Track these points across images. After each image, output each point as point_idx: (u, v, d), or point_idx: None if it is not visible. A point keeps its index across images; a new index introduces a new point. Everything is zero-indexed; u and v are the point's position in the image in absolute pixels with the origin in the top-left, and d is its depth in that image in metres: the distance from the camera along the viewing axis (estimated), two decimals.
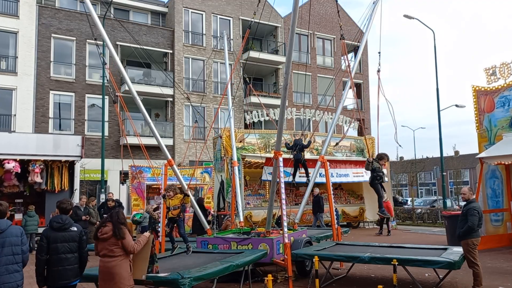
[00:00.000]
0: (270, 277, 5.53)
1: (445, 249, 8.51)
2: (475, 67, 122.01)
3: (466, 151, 57.45)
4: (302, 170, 11.80)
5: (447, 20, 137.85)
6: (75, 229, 5.43)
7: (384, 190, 9.59)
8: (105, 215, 13.26)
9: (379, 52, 10.78)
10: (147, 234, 5.85)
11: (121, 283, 5.24)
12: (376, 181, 8.77)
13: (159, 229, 9.35)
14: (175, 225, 7.71)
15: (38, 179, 14.34)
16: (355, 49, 33.95)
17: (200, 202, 13.76)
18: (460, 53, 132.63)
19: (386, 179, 20.21)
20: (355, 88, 35.16)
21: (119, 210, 5.58)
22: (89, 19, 9.07)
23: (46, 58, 24.19)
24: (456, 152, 53.63)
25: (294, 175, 12.50)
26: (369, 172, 18.62)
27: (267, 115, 19.55)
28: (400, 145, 10.29)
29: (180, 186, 9.16)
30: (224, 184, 17.49)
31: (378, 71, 10.80)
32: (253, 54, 28.35)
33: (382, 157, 8.89)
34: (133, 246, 5.32)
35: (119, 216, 5.32)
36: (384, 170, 20.40)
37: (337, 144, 17.48)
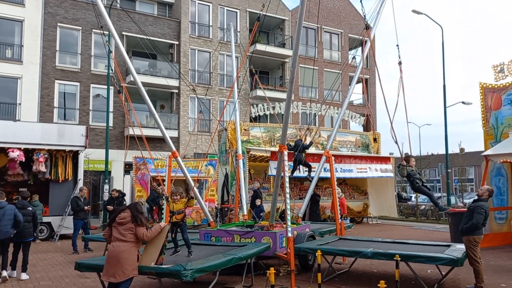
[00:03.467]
0: (272, 270, 5.52)
1: (448, 246, 8.46)
2: (482, 64, 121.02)
3: (471, 149, 57.12)
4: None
5: (456, 16, 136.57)
6: (30, 209, 9.19)
7: (429, 189, 9.16)
8: (108, 206, 13.39)
9: (397, 45, 10.60)
10: (162, 224, 6.08)
11: (125, 268, 5.33)
12: (417, 185, 8.57)
13: (163, 206, 9.30)
14: (178, 230, 7.48)
15: (42, 168, 14.41)
16: (363, 44, 33.75)
17: None
18: (468, 50, 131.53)
19: (391, 174, 20.20)
20: (362, 83, 35.03)
21: (137, 202, 5.97)
22: (95, 9, 9.03)
23: (51, 47, 24.17)
24: (462, 150, 53.32)
25: (292, 172, 12.48)
26: (373, 170, 18.61)
27: (273, 109, 19.46)
28: (396, 142, 10.02)
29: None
30: (229, 177, 17.48)
31: (400, 63, 10.58)
32: (260, 47, 28.21)
33: (408, 159, 8.70)
34: (144, 233, 5.52)
35: (137, 207, 5.64)
36: (390, 166, 20.47)
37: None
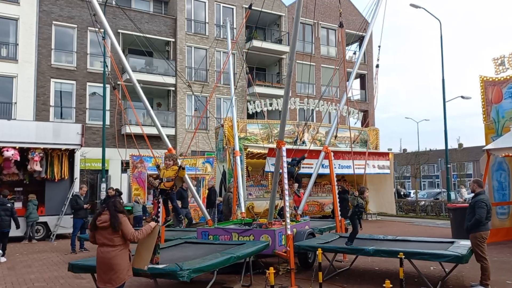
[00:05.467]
0: (272, 270, 5.34)
1: (452, 242, 8.29)
2: (482, 58, 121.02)
3: (469, 144, 57.10)
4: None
5: (453, 9, 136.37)
6: (9, 205, 11.40)
7: (360, 225, 9.41)
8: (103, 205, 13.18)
9: (379, 46, 10.51)
10: (152, 224, 5.73)
11: (120, 273, 5.11)
12: (356, 216, 8.71)
13: (159, 201, 8.93)
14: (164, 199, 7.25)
15: (37, 167, 14.20)
16: (360, 40, 33.56)
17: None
18: (465, 44, 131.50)
19: (388, 171, 20.06)
20: (358, 79, 34.91)
21: (116, 199, 5.50)
22: (89, 6, 8.83)
23: (47, 46, 23.92)
24: (460, 145, 53.36)
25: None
26: (370, 166, 18.51)
27: (270, 105, 19.26)
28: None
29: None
30: (226, 175, 17.31)
31: (377, 66, 10.57)
32: (256, 43, 27.99)
33: (363, 191, 8.79)
34: (133, 234, 5.19)
35: (116, 205, 5.20)
36: (388, 163, 20.32)
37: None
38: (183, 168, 7.06)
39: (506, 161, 12.79)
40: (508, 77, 12.83)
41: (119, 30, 25.15)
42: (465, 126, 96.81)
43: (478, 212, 7.26)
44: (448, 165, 23.80)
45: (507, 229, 12.47)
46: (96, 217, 5.22)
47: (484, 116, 13.40)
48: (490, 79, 13.27)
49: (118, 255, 5.09)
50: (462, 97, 27.49)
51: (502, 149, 11.75)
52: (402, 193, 33.57)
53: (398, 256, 6.21)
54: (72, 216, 12.34)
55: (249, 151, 17.50)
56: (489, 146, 12.21)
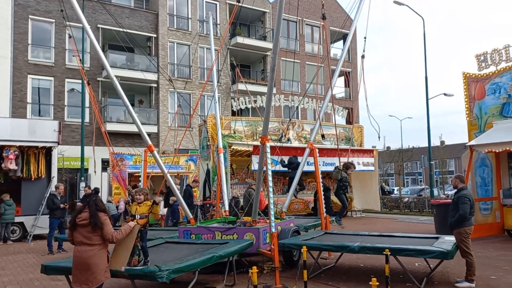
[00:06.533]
0: (255, 269, 5.13)
1: (437, 238, 8.21)
2: (465, 55, 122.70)
3: (451, 141, 57.87)
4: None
5: (436, 7, 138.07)
6: None
7: (347, 200, 9.23)
8: (78, 204, 12.78)
9: (365, 38, 10.40)
10: (132, 223, 5.48)
11: (97, 274, 4.90)
12: (341, 191, 8.48)
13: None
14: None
15: (12, 166, 13.71)
16: (344, 37, 33.57)
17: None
18: (448, 42, 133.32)
19: (372, 168, 20.09)
20: (343, 76, 34.93)
21: (97, 198, 5.27)
22: (60, 1, 8.48)
23: (23, 41, 23.24)
24: (442, 142, 53.98)
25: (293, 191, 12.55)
26: (355, 163, 18.34)
27: (255, 102, 19.04)
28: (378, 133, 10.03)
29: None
30: (210, 173, 17.03)
31: (363, 57, 10.44)
32: (240, 40, 27.74)
33: (348, 166, 8.61)
34: (112, 234, 5.01)
35: (97, 204, 5.05)
36: (372, 160, 20.31)
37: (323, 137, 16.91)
38: (157, 204, 6.24)
39: (489, 157, 12.83)
40: (490, 74, 12.86)
41: (99, 25, 24.61)
42: (447, 124, 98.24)
43: (462, 208, 7.18)
44: (431, 162, 23.96)
45: (489, 225, 12.52)
46: (76, 215, 5.04)
47: (467, 112, 13.42)
48: (473, 76, 13.29)
49: (96, 254, 4.92)
50: (445, 94, 27.70)
51: (485, 145, 11.77)
52: (386, 190, 33.75)
53: (384, 253, 6.08)
54: (49, 216, 11.93)
55: (233, 148, 17.26)
56: (472, 142, 12.22)
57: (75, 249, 5.00)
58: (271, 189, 7.94)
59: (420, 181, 61.51)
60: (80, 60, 13.78)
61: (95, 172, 19.70)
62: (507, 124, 12.10)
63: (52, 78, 23.87)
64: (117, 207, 15.70)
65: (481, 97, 13.08)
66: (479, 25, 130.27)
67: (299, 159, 11.28)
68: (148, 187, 11.28)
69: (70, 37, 9.15)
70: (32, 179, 14.41)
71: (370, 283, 4.77)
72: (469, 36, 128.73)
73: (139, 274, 5.49)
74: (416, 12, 23.45)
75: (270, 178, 7.95)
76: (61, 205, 11.71)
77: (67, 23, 9.76)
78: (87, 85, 8.88)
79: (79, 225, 4.93)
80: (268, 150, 7.94)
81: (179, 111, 23.97)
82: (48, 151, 14.86)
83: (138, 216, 5.80)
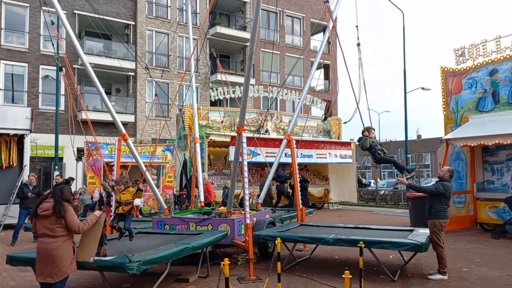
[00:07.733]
0: (226, 261, 5.03)
1: (411, 230, 8.27)
2: (443, 50, 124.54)
3: (427, 136, 58.75)
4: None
5: (416, 1, 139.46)
6: None
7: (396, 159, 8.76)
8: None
9: (357, 26, 10.27)
10: (97, 212, 5.30)
11: (62, 266, 4.71)
12: (379, 156, 8.11)
13: (112, 204, 8.40)
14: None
15: None
16: (324, 29, 33.55)
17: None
18: (427, 36, 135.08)
19: (350, 160, 20.20)
20: (322, 69, 34.95)
21: (64, 186, 5.07)
22: None
23: None
24: (419, 136, 54.74)
25: (276, 205, 12.70)
26: (332, 156, 18.23)
27: (233, 93, 18.85)
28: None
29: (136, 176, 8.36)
30: (187, 163, 16.84)
31: (358, 44, 10.29)
32: (220, 29, 27.41)
33: (369, 130, 8.25)
34: (78, 225, 4.80)
35: (63, 192, 4.80)
36: (350, 152, 20.43)
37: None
38: (141, 190, 6.66)
39: (464, 151, 13.00)
40: (468, 68, 13.00)
41: (75, 11, 23.95)
42: (422, 118, 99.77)
43: (430, 187, 7.27)
44: (408, 156, 24.26)
45: (463, 218, 12.72)
46: (38, 204, 4.81)
47: (444, 106, 13.56)
48: (451, 70, 13.41)
49: (60, 246, 4.71)
50: (423, 88, 27.98)
51: (460, 139, 11.92)
52: (363, 182, 34.09)
53: (358, 245, 6.06)
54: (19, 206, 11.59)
55: (211, 139, 17.09)
56: (448, 136, 12.37)
57: (38, 241, 4.81)
58: (246, 180, 7.84)
59: (397, 174, 62.45)
60: (53, 45, 13.29)
61: (76, 160, 19.18)
62: (482, 119, 12.28)
63: (26, 64, 23.17)
64: (92, 197, 15.43)
65: (457, 92, 13.23)
66: (456, 15, 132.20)
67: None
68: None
69: (53, 23, 8.75)
70: (3, 167, 14.02)
71: (343, 275, 4.73)
72: (449, 31, 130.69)
73: (108, 265, 5.32)
74: (396, 6, 23.58)
75: (245, 169, 7.85)
76: (29, 194, 11.35)
77: (46, 8, 9.34)
78: (61, 72, 8.54)
79: (41, 216, 4.73)
80: (245, 140, 7.83)
81: (156, 100, 23.57)
82: (20, 139, 14.44)
83: (124, 203, 6.37)
